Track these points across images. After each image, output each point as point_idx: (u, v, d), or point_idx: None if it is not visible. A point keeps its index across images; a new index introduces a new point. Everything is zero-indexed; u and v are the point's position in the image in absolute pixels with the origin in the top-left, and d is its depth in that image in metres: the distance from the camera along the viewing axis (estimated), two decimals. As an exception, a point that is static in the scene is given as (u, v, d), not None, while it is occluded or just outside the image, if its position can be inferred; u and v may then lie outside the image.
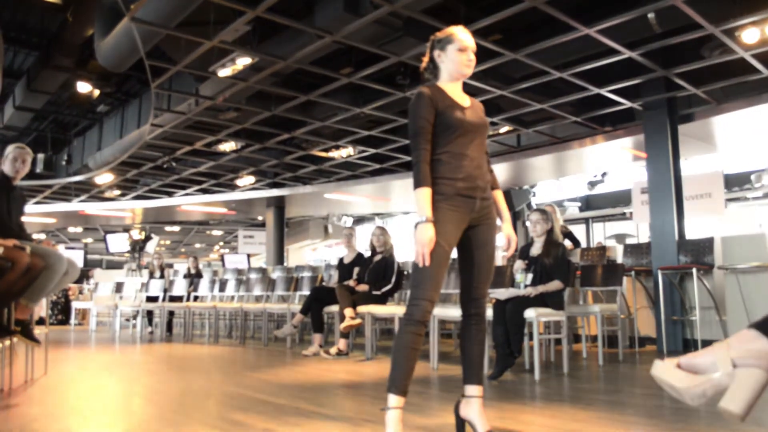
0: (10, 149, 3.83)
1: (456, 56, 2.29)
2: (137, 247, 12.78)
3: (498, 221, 2.41)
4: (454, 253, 2.30)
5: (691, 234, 6.65)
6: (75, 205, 14.44)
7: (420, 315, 2.15)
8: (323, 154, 10.15)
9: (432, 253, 2.12)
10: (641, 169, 9.07)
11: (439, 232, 2.14)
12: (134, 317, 9.16)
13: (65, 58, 8.03)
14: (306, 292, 6.66)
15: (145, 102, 8.96)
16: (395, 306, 5.47)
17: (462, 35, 2.31)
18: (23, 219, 3.88)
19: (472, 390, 2.26)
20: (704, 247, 5.88)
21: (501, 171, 10.08)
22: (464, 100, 2.34)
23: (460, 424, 2.29)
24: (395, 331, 5.27)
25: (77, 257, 13.20)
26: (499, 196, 2.40)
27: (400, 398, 2.12)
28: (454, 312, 4.53)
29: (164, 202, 14.09)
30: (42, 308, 8.14)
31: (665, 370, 1.30)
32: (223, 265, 14.37)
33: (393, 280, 5.58)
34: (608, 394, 3.67)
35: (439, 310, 4.36)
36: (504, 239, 2.38)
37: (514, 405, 3.21)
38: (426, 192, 2.16)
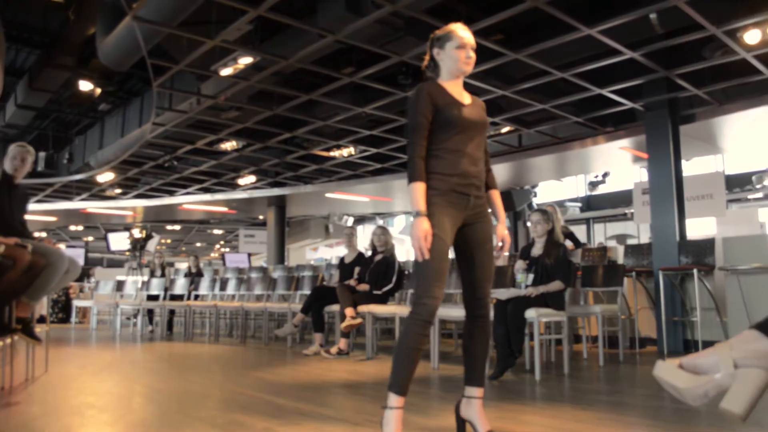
0: (12, 148, 3.84)
1: (455, 53, 2.28)
2: (138, 245, 12.75)
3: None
4: (454, 254, 2.29)
5: (691, 234, 6.64)
6: (76, 204, 14.46)
7: (427, 314, 2.14)
8: (324, 154, 10.15)
9: (431, 248, 2.09)
10: (642, 170, 9.08)
11: (435, 225, 2.12)
12: (135, 316, 9.15)
13: (67, 57, 8.04)
14: (307, 291, 6.65)
15: (146, 101, 8.96)
16: (396, 306, 5.47)
17: (461, 32, 2.29)
18: (26, 217, 3.88)
19: (473, 391, 2.25)
20: (705, 248, 5.87)
21: (502, 171, 10.08)
22: (465, 97, 2.32)
23: (461, 424, 2.29)
24: (396, 330, 5.27)
25: (78, 255, 13.18)
26: (496, 196, 2.39)
27: (401, 398, 2.11)
28: (454, 312, 4.54)
29: (165, 200, 14.10)
30: (43, 306, 8.15)
31: (667, 371, 1.31)
32: (224, 264, 14.38)
33: (394, 279, 5.58)
34: (609, 395, 3.67)
35: (440, 309, 4.35)
36: (497, 239, 2.38)
37: (515, 405, 3.21)
38: (420, 186, 2.15)
